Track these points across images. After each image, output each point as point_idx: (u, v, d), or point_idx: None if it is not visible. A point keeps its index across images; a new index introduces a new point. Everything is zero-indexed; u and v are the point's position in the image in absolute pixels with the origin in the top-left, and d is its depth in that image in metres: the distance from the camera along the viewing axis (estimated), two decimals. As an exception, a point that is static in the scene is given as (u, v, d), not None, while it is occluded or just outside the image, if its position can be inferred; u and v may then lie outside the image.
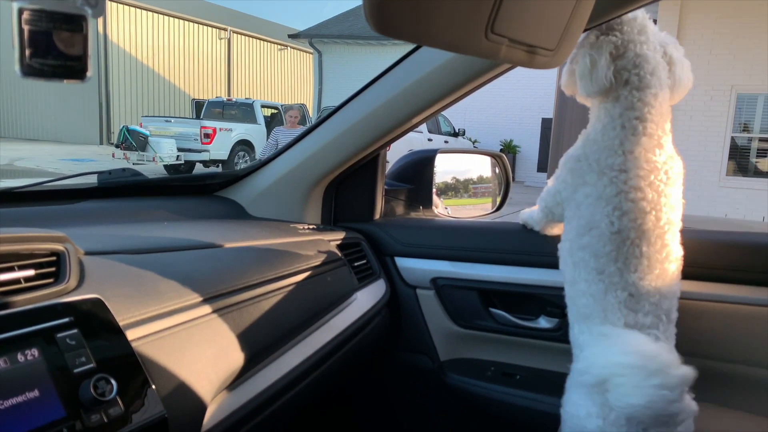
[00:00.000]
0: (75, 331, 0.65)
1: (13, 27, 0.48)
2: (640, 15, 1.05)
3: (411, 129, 1.36)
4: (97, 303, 0.70)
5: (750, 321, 1.12)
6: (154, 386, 0.69)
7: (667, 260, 1.02)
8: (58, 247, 0.74)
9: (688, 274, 1.13)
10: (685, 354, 1.15)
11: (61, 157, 14.84)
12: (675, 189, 1.03)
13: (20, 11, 0.48)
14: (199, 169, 13.85)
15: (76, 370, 0.63)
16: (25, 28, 0.48)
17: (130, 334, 0.71)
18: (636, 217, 0.98)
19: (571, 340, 1.10)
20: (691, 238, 1.19)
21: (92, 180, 1.34)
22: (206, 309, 0.84)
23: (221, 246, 1.06)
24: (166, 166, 12.89)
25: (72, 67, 0.51)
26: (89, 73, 0.51)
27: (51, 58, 0.50)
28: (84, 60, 0.51)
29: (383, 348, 1.47)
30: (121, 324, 0.70)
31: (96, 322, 0.68)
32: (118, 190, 1.34)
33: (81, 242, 0.83)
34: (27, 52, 0.48)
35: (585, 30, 1.14)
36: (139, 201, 1.34)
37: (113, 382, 0.64)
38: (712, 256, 1.17)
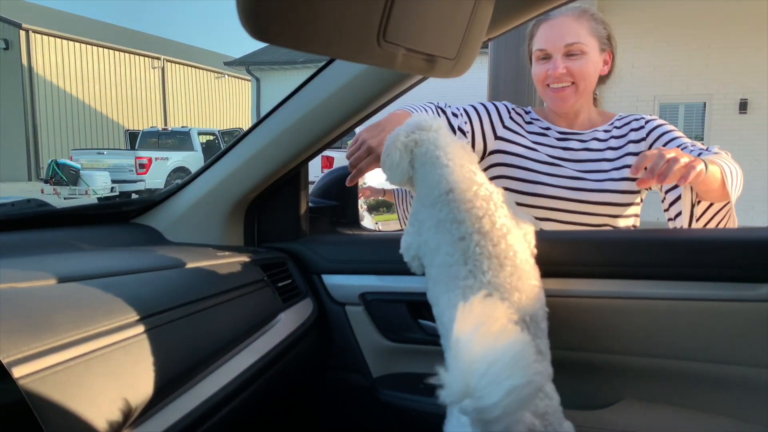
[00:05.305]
0: None
1: None
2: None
3: (329, 144, 1.35)
4: None
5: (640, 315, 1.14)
6: (43, 426, 0.64)
7: (518, 260, 1.03)
8: None
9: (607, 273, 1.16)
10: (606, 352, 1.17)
11: (-14, 195, 14.08)
12: (504, 203, 1.10)
13: None
14: (135, 200, 13.48)
15: None
16: None
17: (18, 371, 0.65)
18: (473, 222, 1.04)
19: None
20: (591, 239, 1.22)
21: None
22: (107, 340, 0.79)
23: (129, 273, 1.01)
24: (99, 198, 12.44)
25: None
26: None
27: None
28: None
29: (314, 369, 1.44)
30: (5, 361, 0.65)
31: None
32: (24, 222, 1.26)
33: None
34: None
35: (489, 39, 1.16)
36: (46, 233, 1.26)
37: None
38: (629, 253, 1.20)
